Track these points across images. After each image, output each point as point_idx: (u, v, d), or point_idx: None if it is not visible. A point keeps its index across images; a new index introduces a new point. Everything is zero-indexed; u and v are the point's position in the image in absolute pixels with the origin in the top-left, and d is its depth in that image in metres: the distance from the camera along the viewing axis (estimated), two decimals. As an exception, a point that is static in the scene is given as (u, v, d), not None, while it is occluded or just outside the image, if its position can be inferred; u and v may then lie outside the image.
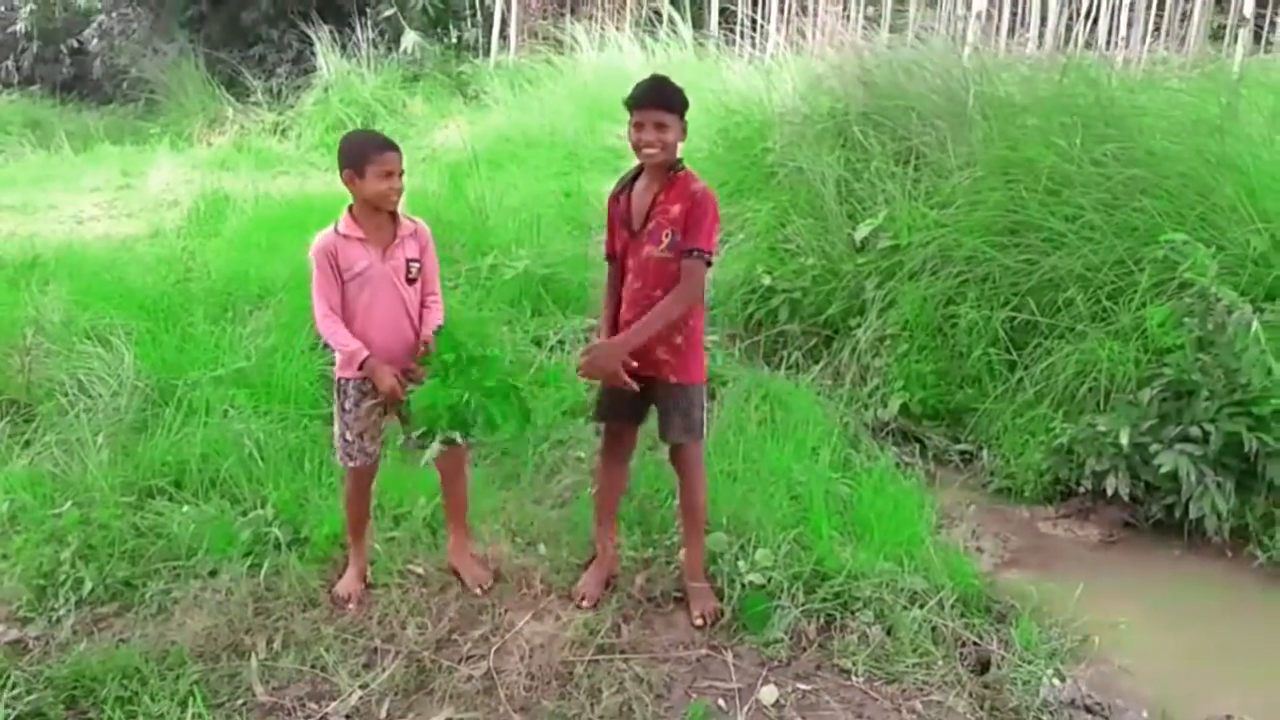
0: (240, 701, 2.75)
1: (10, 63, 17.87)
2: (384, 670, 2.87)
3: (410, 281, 3.07)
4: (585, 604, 3.19)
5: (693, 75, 8.66)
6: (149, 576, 3.26)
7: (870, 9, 10.72)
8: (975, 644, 3.09)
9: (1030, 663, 2.98)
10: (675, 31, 11.24)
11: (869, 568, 3.27)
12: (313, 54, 13.00)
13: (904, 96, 6.36)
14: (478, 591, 3.23)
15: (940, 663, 2.98)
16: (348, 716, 2.72)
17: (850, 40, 8.72)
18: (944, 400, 4.66)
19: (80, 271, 5.91)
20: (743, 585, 3.19)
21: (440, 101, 12.48)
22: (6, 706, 2.64)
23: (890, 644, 3.02)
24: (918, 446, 4.53)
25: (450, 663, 2.92)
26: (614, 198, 3.14)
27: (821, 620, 3.13)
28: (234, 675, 2.84)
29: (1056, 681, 2.93)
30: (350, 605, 3.16)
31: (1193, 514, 3.72)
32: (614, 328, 3.10)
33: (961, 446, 4.53)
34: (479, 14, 14.02)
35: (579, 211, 7.27)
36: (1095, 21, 9.20)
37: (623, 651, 2.98)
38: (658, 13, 11.78)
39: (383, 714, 2.73)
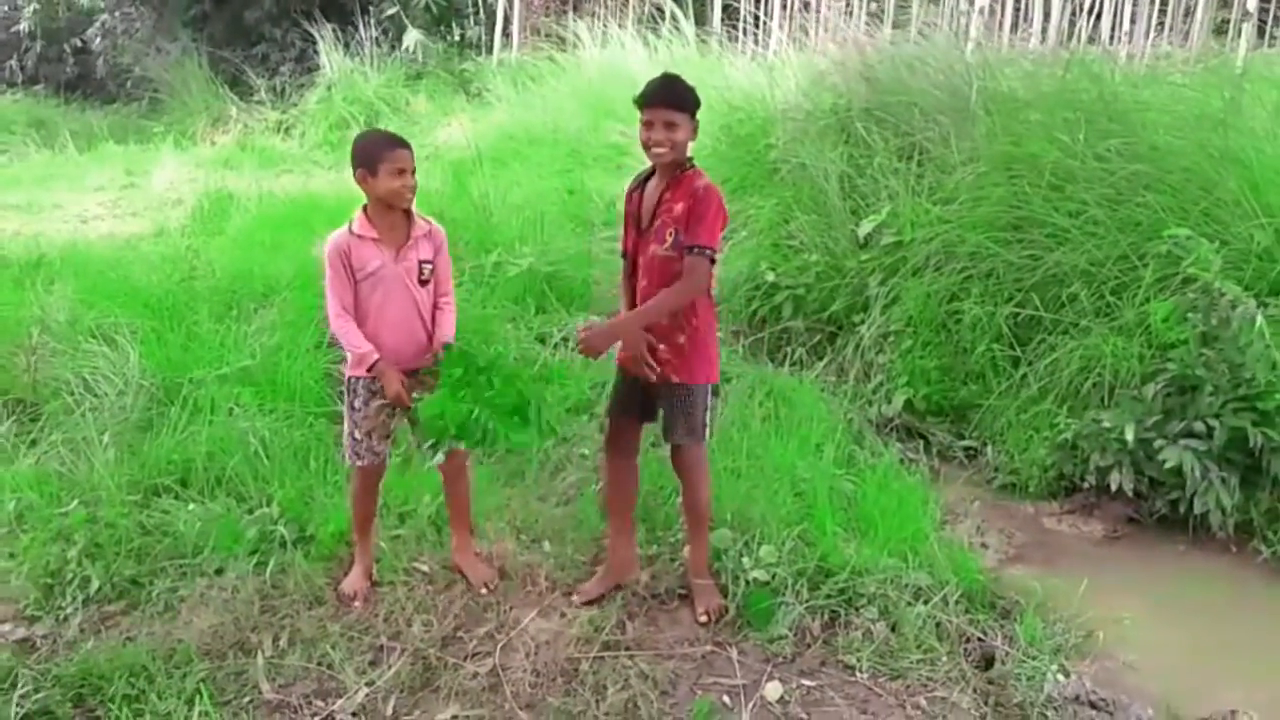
0: (247, 699, 2.76)
1: (14, 62, 17.93)
2: (390, 668, 2.88)
3: (423, 283, 3.08)
4: (578, 599, 3.19)
5: (695, 72, 8.63)
6: (155, 575, 3.27)
7: (873, 5, 10.69)
8: (980, 640, 3.09)
9: (1035, 658, 2.98)
10: (678, 28, 11.22)
11: (873, 564, 3.28)
12: (316, 52, 13.02)
13: (907, 92, 6.36)
14: (483, 591, 3.24)
15: (945, 659, 2.98)
16: (354, 714, 2.72)
17: (853, 36, 8.71)
18: (948, 396, 4.66)
19: (85, 270, 5.92)
20: (747, 582, 3.20)
21: (443, 99, 12.49)
22: (15, 705, 2.66)
23: (895, 640, 3.03)
24: (922, 443, 4.53)
25: (456, 660, 2.93)
26: (629, 194, 3.13)
27: (826, 616, 3.13)
28: (240, 673, 2.85)
29: (1061, 677, 2.93)
30: (356, 603, 3.17)
31: (1197, 509, 3.72)
32: None
33: (966, 442, 4.53)
34: (481, 11, 14.01)
35: (582, 209, 7.29)
36: (1098, 16, 9.17)
37: (628, 648, 2.99)
38: (660, 9, 11.75)
39: (389, 711, 2.74)
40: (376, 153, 2.94)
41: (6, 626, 3.06)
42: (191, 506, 3.55)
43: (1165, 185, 4.63)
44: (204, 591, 3.19)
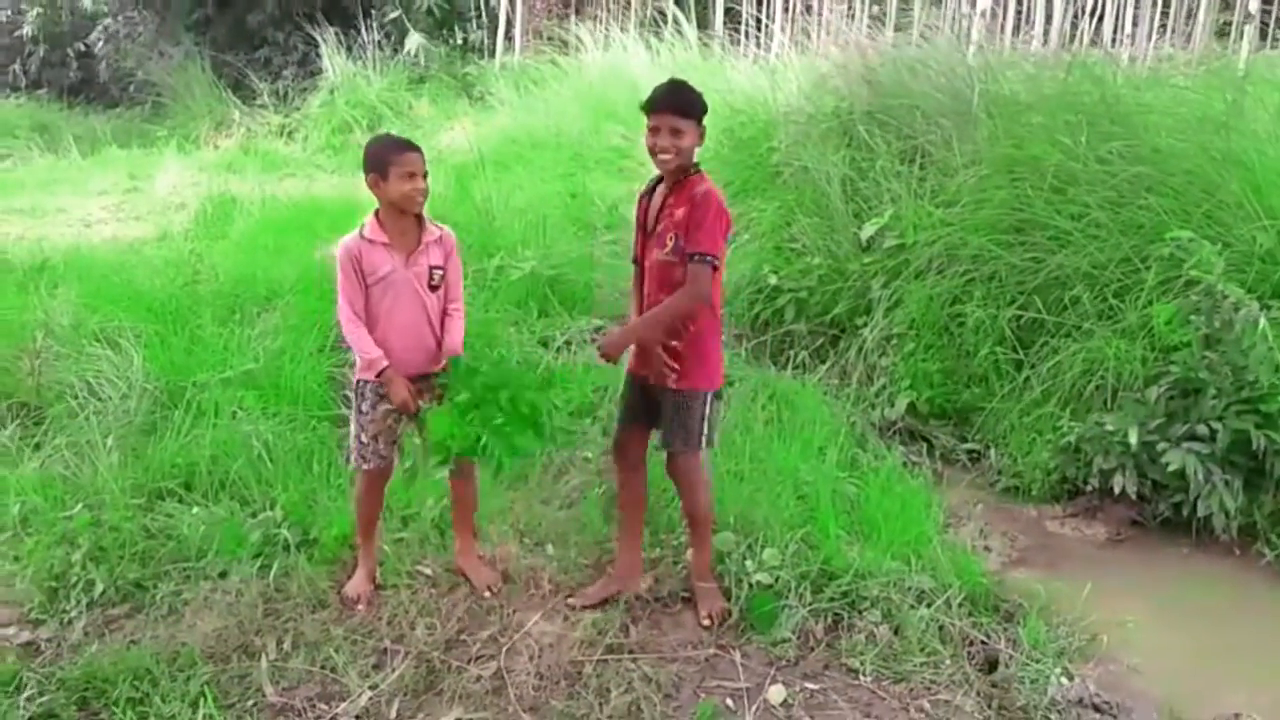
0: (251, 702, 2.76)
1: (17, 67, 17.96)
2: (393, 671, 2.88)
3: (433, 288, 3.09)
4: (577, 603, 3.18)
5: (698, 75, 8.64)
6: (159, 578, 3.28)
7: (875, 8, 10.69)
8: (983, 643, 3.09)
9: (1038, 661, 2.98)
10: (680, 31, 11.23)
11: (876, 567, 3.28)
12: (318, 56, 13.01)
13: (909, 95, 6.36)
14: (487, 594, 3.24)
15: (948, 662, 2.98)
16: (357, 717, 2.73)
17: (855, 39, 8.72)
18: (951, 399, 4.66)
19: (89, 274, 5.93)
20: (750, 585, 3.20)
21: (446, 103, 12.49)
22: (20, 708, 2.66)
23: (898, 643, 3.03)
24: (925, 446, 4.53)
25: (459, 663, 2.93)
26: (639, 200, 3.14)
27: (829, 620, 3.13)
28: (244, 676, 2.86)
29: (1064, 680, 2.93)
30: (359, 606, 3.18)
31: (1200, 512, 3.72)
32: None
33: (968, 445, 4.53)
34: (484, 15, 14.02)
35: (585, 212, 7.29)
36: (1100, 19, 9.16)
37: (631, 651, 2.99)
38: (662, 13, 11.75)
39: (392, 714, 2.74)
40: (387, 156, 2.95)
41: (11, 630, 3.07)
42: (195, 510, 3.56)
43: (1168, 188, 4.63)
44: (208, 595, 3.20)
